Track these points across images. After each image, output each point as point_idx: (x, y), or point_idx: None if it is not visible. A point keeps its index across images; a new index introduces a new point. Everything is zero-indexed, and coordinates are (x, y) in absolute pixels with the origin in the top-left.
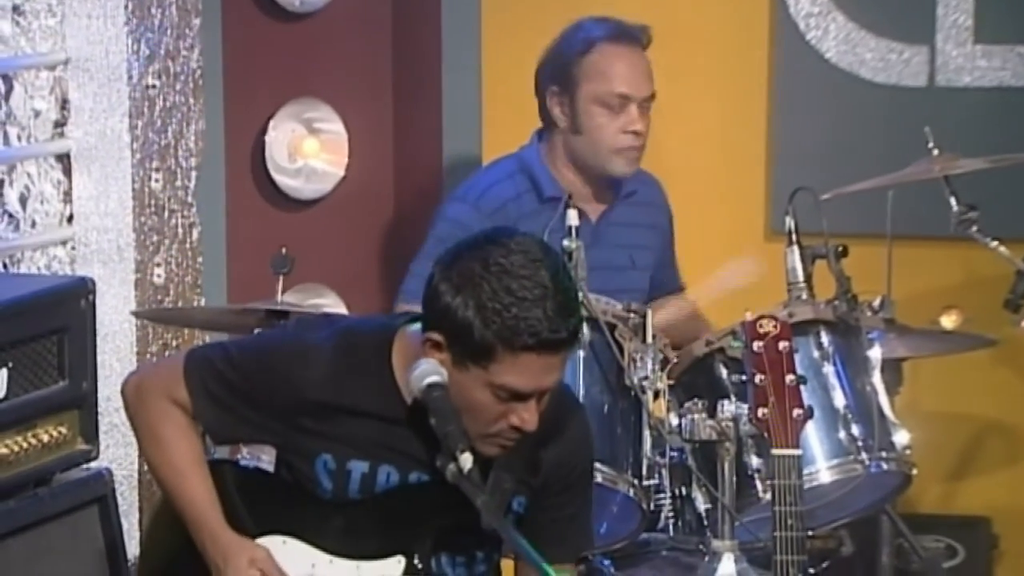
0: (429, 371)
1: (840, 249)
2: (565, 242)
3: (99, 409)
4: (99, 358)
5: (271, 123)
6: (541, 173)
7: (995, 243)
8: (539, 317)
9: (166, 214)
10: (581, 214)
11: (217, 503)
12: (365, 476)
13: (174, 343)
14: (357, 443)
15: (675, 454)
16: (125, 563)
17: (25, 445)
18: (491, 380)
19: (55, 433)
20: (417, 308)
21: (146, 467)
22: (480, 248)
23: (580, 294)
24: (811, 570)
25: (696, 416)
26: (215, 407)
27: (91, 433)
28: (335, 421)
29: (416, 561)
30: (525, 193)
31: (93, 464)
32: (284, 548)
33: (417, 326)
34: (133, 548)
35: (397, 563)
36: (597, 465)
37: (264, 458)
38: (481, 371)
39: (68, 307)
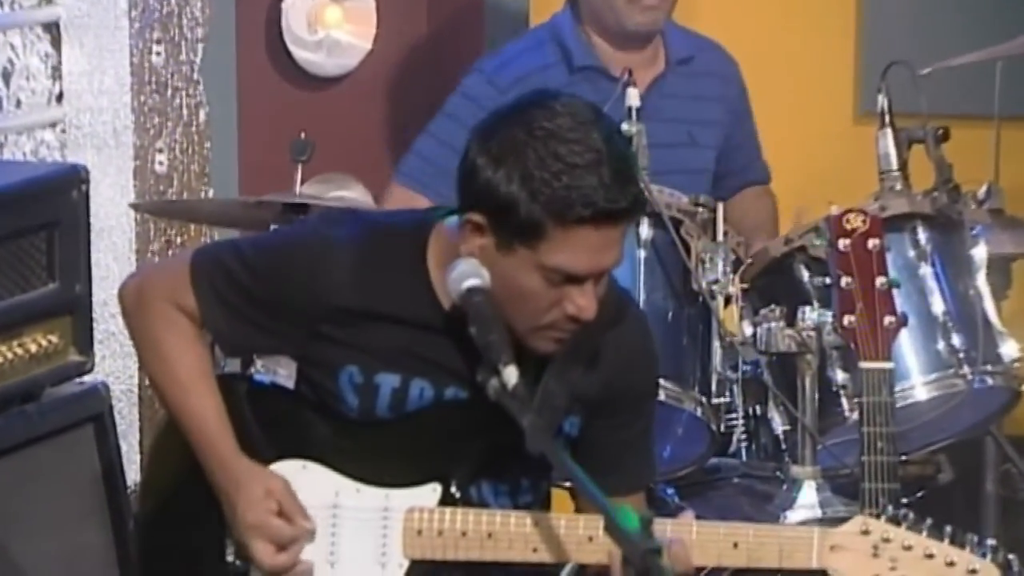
0: (468, 272)
1: (940, 132)
2: (624, 126)
3: (94, 315)
4: (93, 257)
5: None
6: (572, 39)
7: None
8: (593, 185)
9: (169, 93)
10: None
11: (228, 424)
12: (396, 391)
13: (178, 240)
14: (387, 354)
15: (748, 368)
16: (124, 490)
17: (10, 356)
18: (542, 262)
19: (44, 342)
20: (413, 193)
21: (147, 382)
22: (522, 112)
23: (642, 185)
24: (904, 500)
25: (773, 325)
26: (226, 313)
27: (85, 342)
28: (362, 328)
29: (453, 489)
30: (554, 64)
31: (87, 378)
32: (304, 474)
33: (455, 219)
34: (133, 473)
35: (432, 491)
36: (660, 381)
37: (281, 372)
38: (530, 252)
39: (58, 199)
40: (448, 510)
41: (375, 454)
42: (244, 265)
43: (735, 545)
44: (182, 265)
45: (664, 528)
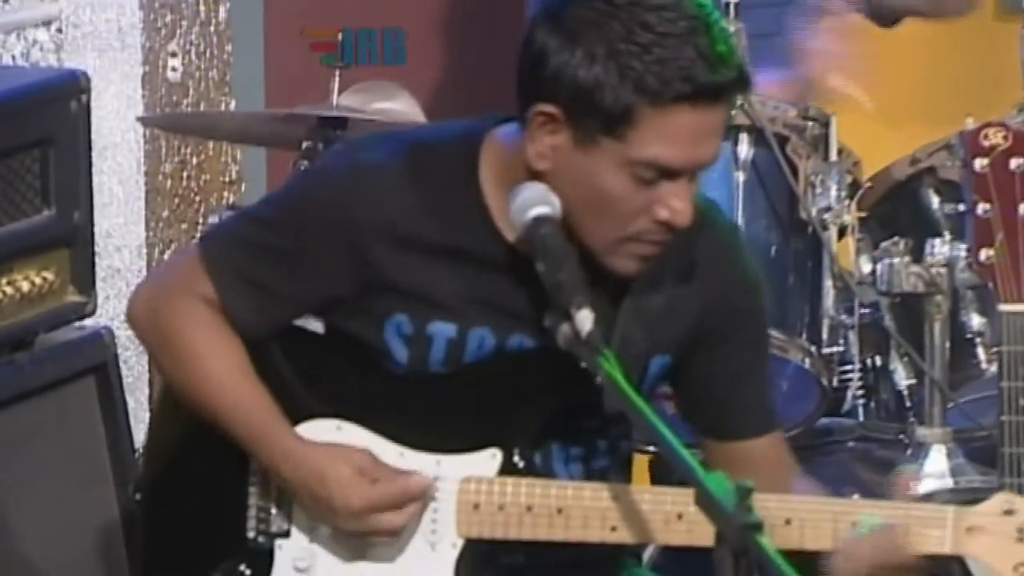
0: (535, 198)
1: None
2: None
3: (95, 248)
4: (95, 180)
5: None
6: None
7: None
8: (691, 56)
9: None
10: None
11: (281, 415)
12: (451, 343)
13: (194, 160)
14: (440, 297)
15: (867, 311)
16: (131, 453)
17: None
18: (631, 155)
19: (38, 280)
20: None
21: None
22: None
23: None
24: None
25: (896, 260)
26: (250, 292)
27: (86, 280)
28: (409, 266)
29: (516, 457)
30: None
31: (88, 322)
32: (338, 437)
33: (510, 127)
34: (141, 434)
35: (491, 458)
36: None
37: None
38: (617, 144)
39: (54, 111)
40: (510, 480)
41: (423, 413)
42: (263, 225)
43: (853, 525)
44: (191, 256)
45: (870, 508)
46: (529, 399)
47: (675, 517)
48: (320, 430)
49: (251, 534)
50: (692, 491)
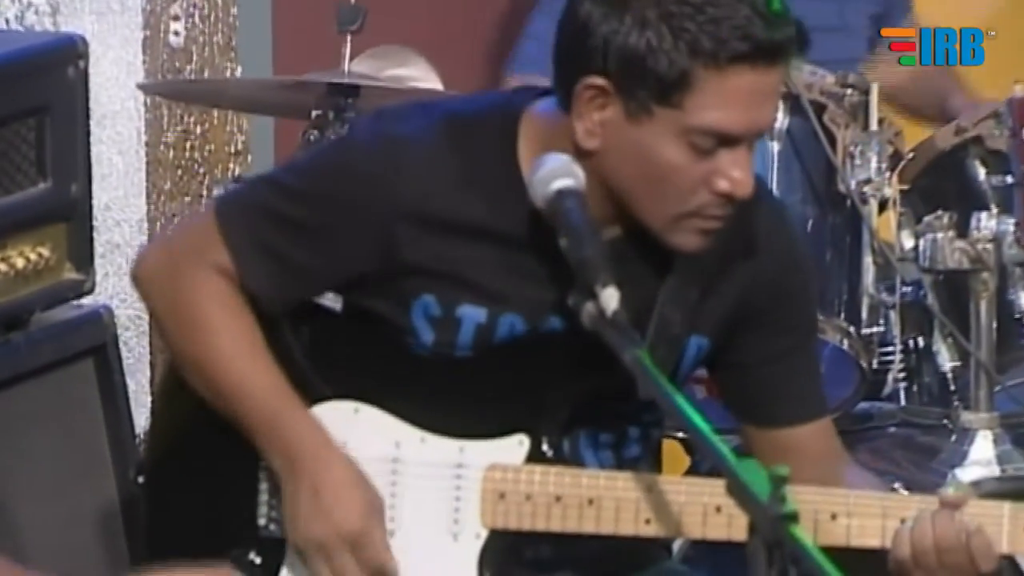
0: (558, 170)
1: None
2: None
3: (94, 223)
4: (94, 150)
5: None
6: None
7: None
8: (746, 14)
9: None
10: None
11: (298, 399)
12: (481, 328)
13: (198, 130)
14: (472, 280)
15: (908, 290)
16: (132, 438)
17: None
18: (688, 123)
19: (33, 256)
20: (536, 80)
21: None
22: None
23: None
24: None
25: (940, 235)
26: (269, 262)
27: (84, 256)
28: (440, 246)
29: (545, 445)
30: None
31: (86, 300)
32: (356, 420)
33: (548, 101)
34: (142, 418)
35: (518, 445)
36: None
37: (328, 294)
38: (672, 113)
39: (49, 78)
40: (538, 468)
41: (447, 397)
42: (287, 195)
43: (902, 522)
44: (206, 219)
45: (924, 503)
46: (558, 383)
47: (714, 510)
48: (337, 412)
49: (262, 521)
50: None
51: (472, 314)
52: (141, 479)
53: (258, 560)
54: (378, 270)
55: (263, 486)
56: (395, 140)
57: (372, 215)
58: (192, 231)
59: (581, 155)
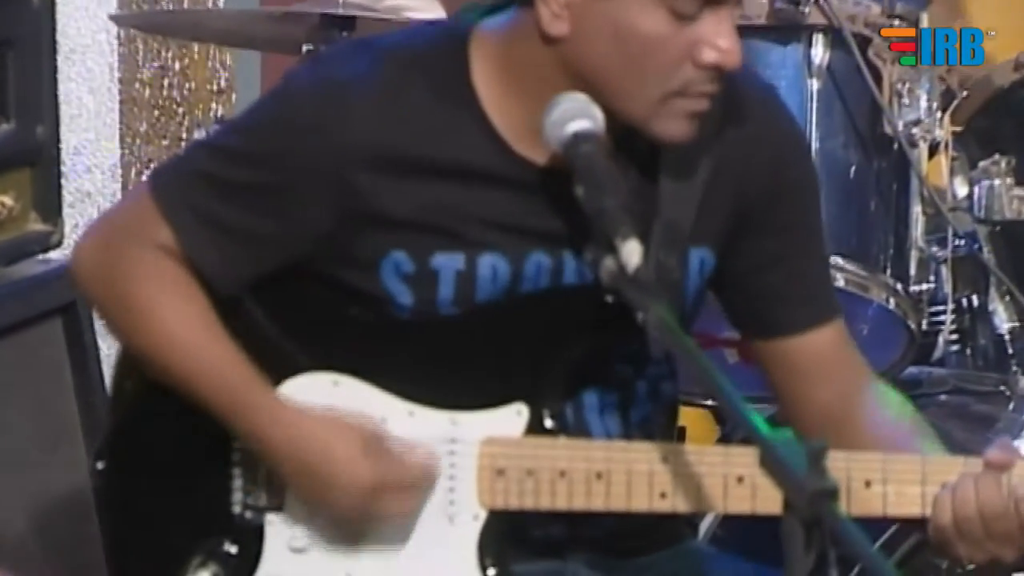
0: (573, 111)
1: None
2: None
3: (62, 168)
4: (62, 88)
5: None
6: None
7: None
8: None
9: None
10: None
11: (261, 377)
12: (461, 276)
13: (176, 66)
14: (443, 223)
15: (961, 242)
16: (104, 402)
17: None
18: None
19: None
20: None
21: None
22: None
23: None
24: None
25: (997, 182)
26: (217, 235)
27: (51, 206)
28: (402, 192)
29: (546, 416)
30: None
31: (54, 254)
32: (335, 393)
33: (498, 18)
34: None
35: (516, 415)
36: (838, 261)
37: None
38: None
39: (12, 8)
40: (540, 440)
41: (434, 364)
42: (228, 158)
43: (943, 487)
44: (140, 195)
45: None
46: (554, 342)
47: (735, 480)
48: (314, 386)
49: (236, 508)
50: (754, 450)
51: (448, 262)
52: (101, 465)
53: (234, 550)
54: (338, 230)
55: (236, 470)
56: (337, 83)
57: (323, 167)
58: (127, 211)
59: (549, 44)
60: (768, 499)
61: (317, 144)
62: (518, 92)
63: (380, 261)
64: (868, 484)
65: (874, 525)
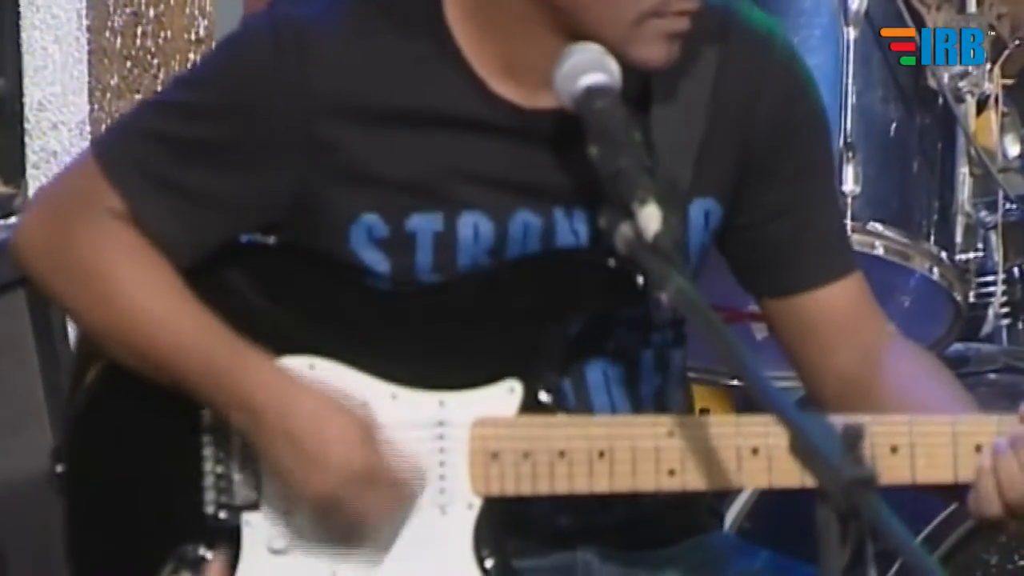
0: (586, 63)
1: None
2: None
3: (26, 125)
4: (25, 36)
5: None
6: None
7: None
8: None
9: None
10: None
11: (236, 337)
12: (440, 238)
13: (151, 12)
14: (418, 179)
15: (1013, 208)
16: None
17: None
18: None
19: None
20: None
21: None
22: None
23: None
24: None
25: None
26: (170, 199)
27: (14, 166)
28: (371, 145)
29: (541, 390)
30: None
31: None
32: (311, 377)
33: None
34: None
35: (508, 392)
36: (877, 227)
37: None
38: None
39: None
40: (535, 419)
41: (418, 340)
42: (178, 113)
43: (977, 450)
44: (85, 162)
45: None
46: (547, 311)
47: (749, 452)
48: (290, 370)
49: (209, 509)
50: (767, 418)
51: (426, 223)
52: (60, 468)
53: (209, 555)
54: (303, 193)
55: (207, 466)
56: (296, 26)
57: (283, 117)
58: (72, 180)
59: None
60: (786, 472)
61: (273, 92)
62: (496, 25)
63: (350, 226)
64: (894, 450)
65: (918, 516)
